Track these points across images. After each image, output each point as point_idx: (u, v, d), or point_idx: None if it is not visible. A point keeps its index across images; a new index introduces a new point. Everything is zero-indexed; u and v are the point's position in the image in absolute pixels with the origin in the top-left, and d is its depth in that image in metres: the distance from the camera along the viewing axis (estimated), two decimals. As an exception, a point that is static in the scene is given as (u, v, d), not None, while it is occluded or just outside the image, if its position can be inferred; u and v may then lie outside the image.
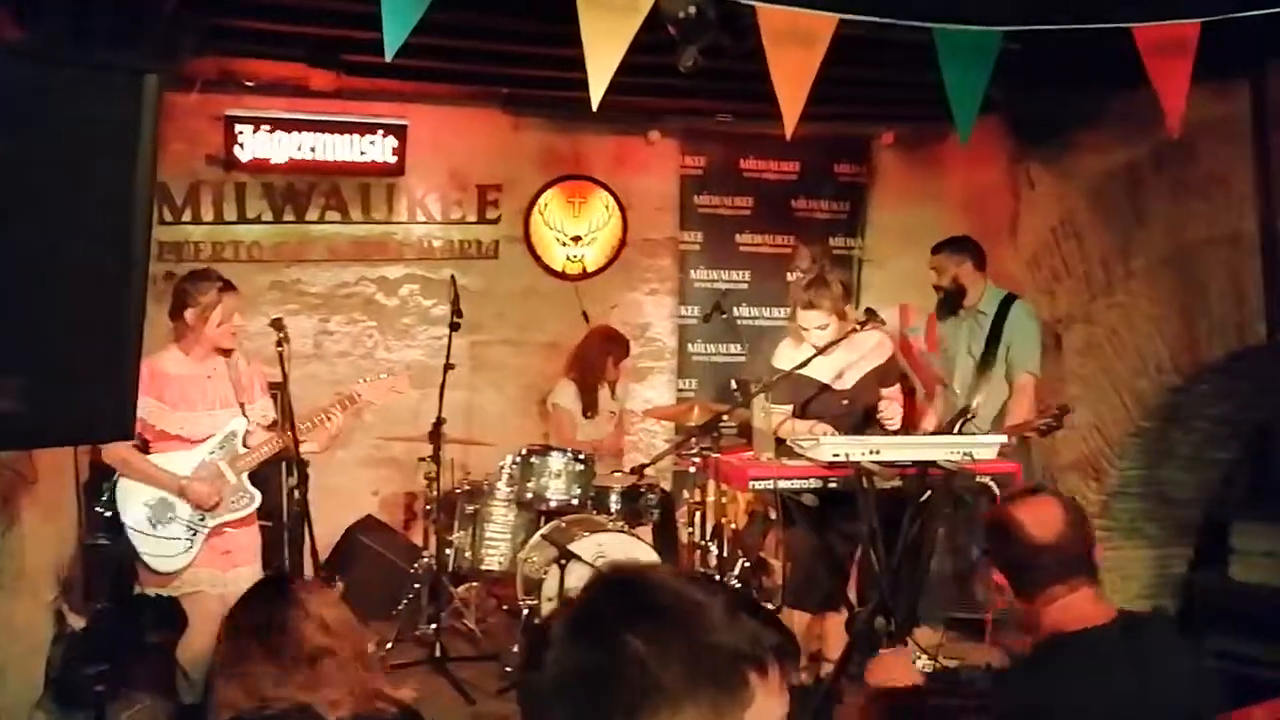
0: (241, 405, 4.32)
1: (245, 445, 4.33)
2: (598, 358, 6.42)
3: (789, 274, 7.36)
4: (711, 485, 6.17)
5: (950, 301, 5.54)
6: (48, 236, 2.29)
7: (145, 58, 2.50)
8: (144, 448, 4.22)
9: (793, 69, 3.32)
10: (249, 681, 2.28)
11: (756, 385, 5.21)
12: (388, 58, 3.10)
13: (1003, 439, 4.36)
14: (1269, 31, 3.49)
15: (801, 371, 4.74)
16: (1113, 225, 5.72)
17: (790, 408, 4.86)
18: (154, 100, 2.41)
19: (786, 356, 4.90)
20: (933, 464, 4.19)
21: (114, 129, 2.37)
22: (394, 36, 3.11)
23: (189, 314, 4.21)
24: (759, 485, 4.34)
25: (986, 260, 5.58)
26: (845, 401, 4.86)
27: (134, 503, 4.17)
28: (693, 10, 3.49)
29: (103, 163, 2.37)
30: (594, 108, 3.22)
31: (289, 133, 6.45)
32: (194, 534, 4.20)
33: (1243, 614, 5.39)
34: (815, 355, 4.71)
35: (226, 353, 4.34)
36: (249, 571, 4.31)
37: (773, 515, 5.84)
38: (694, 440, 5.62)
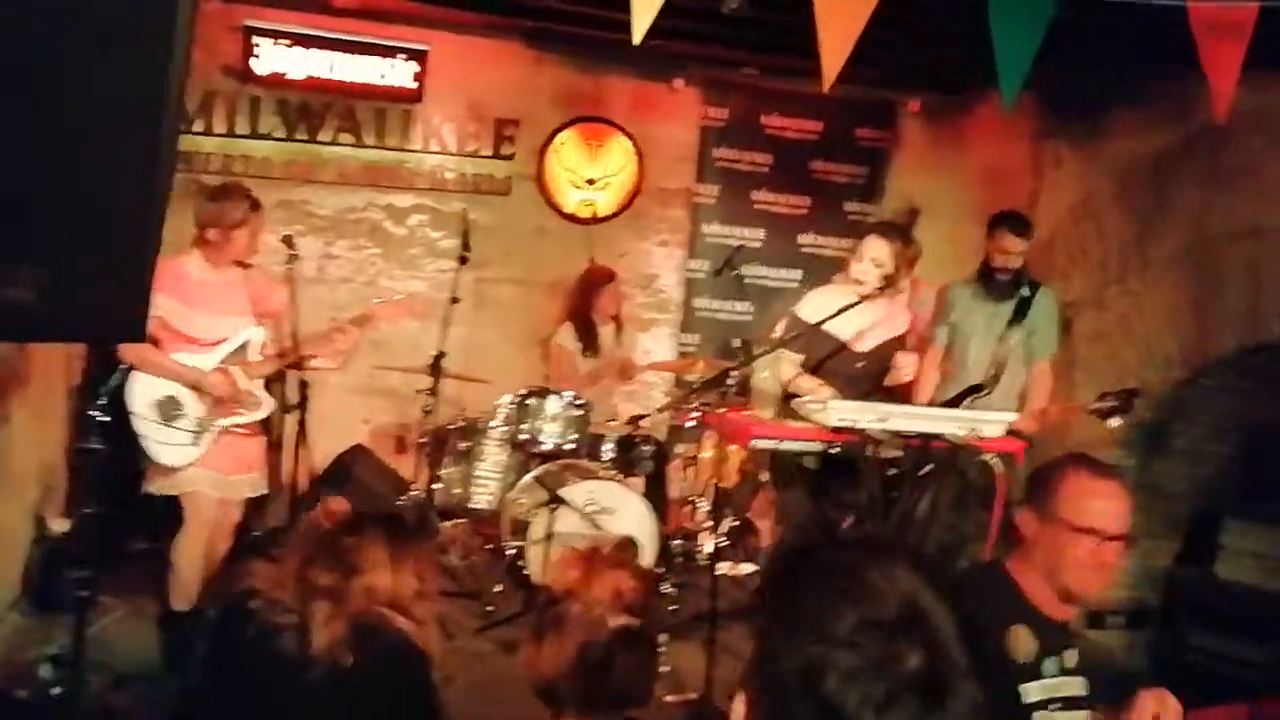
0: (258, 316, 4.34)
1: (260, 354, 4.35)
2: (582, 294, 6.38)
3: (801, 235, 7.29)
4: (707, 442, 6.14)
5: (1003, 289, 5.36)
6: (74, 125, 2.20)
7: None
8: (155, 347, 4.22)
9: (840, 19, 3.23)
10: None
11: (767, 341, 5.12)
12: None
13: (1012, 416, 4.33)
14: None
15: (825, 327, 4.65)
16: (1134, 211, 5.66)
17: (802, 358, 4.78)
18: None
19: (815, 306, 4.80)
20: (938, 437, 4.15)
21: (148, 19, 2.27)
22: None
23: (212, 232, 4.24)
24: (762, 444, 4.30)
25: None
26: (860, 364, 4.79)
27: (143, 398, 4.19)
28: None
29: (135, 54, 2.27)
30: (636, 40, 3.13)
31: (308, 49, 6.32)
32: (200, 433, 4.22)
33: (1225, 613, 5.39)
34: (855, 304, 4.59)
35: (244, 266, 4.35)
36: (251, 478, 4.32)
37: (764, 477, 5.81)
38: (695, 395, 5.57)
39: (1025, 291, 5.35)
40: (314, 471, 4.47)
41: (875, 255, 4.65)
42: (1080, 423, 5.25)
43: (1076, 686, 2.47)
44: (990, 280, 5.38)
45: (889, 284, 4.67)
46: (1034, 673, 2.45)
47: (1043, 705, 2.44)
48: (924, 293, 6.26)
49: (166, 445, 4.19)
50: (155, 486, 4.24)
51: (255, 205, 4.31)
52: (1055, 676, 2.45)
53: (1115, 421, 4.77)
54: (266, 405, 4.36)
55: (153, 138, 2.35)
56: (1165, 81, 5.06)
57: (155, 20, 2.30)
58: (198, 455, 4.23)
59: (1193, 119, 5.07)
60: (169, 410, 4.19)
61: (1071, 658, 2.48)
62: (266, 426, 4.57)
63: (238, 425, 4.31)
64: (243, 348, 4.33)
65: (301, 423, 4.15)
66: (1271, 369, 5.02)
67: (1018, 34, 3.28)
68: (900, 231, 4.83)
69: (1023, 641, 2.45)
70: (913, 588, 1.10)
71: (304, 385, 4.18)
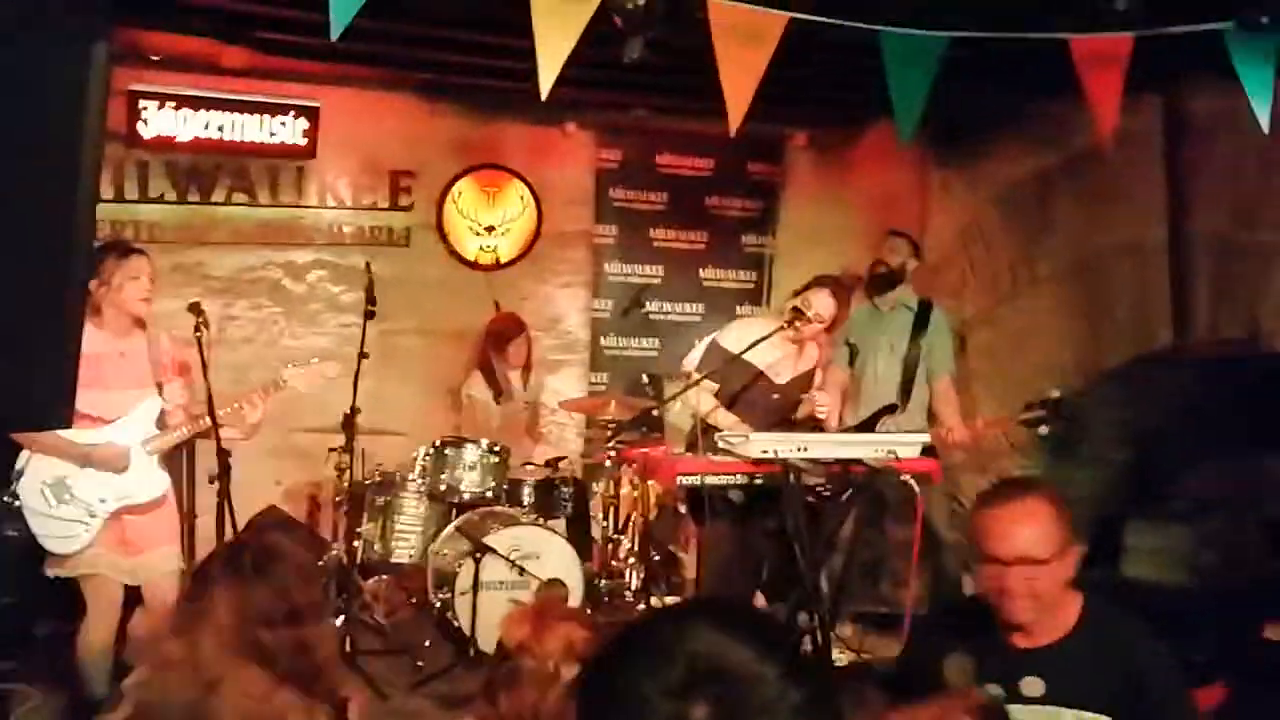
0: (159, 385, 4.19)
1: (159, 427, 4.20)
2: (491, 344, 6.39)
3: (702, 270, 7.41)
4: (625, 478, 6.18)
5: (885, 283, 5.60)
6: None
7: (88, 24, 2.37)
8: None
9: (741, 66, 3.33)
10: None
11: (678, 376, 5.20)
12: (333, 37, 3.01)
13: (925, 438, 4.46)
14: (1181, 47, 3.64)
15: (744, 357, 4.75)
16: (1021, 232, 5.89)
17: (717, 387, 4.86)
18: (101, 69, 2.30)
19: (738, 337, 4.90)
20: (858, 461, 4.26)
21: (61, 99, 2.25)
22: (341, 16, 3.02)
23: (94, 287, 4.02)
24: (687, 480, 4.36)
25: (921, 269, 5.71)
26: (775, 396, 4.90)
27: (33, 482, 4.02)
28: (641, 2, 3.47)
29: (48, 135, 2.25)
30: (543, 97, 3.17)
31: (195, 110, 6.21)
32: (92, 515, 4.06)
33: (1132, 609, 5.58)
34: (772, 333, 4.72)
35: (143, 327, 4.21)
36: (160, 555, 4.18)
37: (682, 509, 5.87)
38: (611, 434, 5.60)
39: (912, 304, 5.53)
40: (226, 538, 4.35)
41: (821, 309, 4.83)
42: (990, 439, 5.43)
43: (1033, 716, 2.50)
44: (872, 281, 5.58)
45: (804, 328, 4.81)
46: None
47: None
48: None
49: (56, 538, 4.02)
50: (54, 571, 4.06)
51: (130, 252, 4.15)
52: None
53: (1044, 430, 4.92)
54: (162, 483, 4.20)
55: (69, 219, 2.32)
56: (1043, 107, 5.30)
57: (70, 96, 2.28)
58: (90, 539, 4.05)
59: (1071, 142, 5.31)
60: (60, 492, 4.02)
61: (1033, 686, 2.51)
62: (179, 498, 4.45)
63: (133, 507, 4.15)
64: (145, 416, 4.17)
65: (225, 492, 4.05)
66: (1160, 377, 5.26)
67: (912, 72, 3.41)
68: (843, 290, 4.98)
69: (954, 669, 2.49)
70: (707, 646, 1.12)
71: (225, 454, 4.08)
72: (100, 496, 4.09)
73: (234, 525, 4.05)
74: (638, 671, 1.12)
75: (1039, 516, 2.48)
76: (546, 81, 3.19)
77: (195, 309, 4.20)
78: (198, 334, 4.12)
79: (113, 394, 4.14)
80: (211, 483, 4.18)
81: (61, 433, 4.02)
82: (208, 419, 4.13)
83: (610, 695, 1.14)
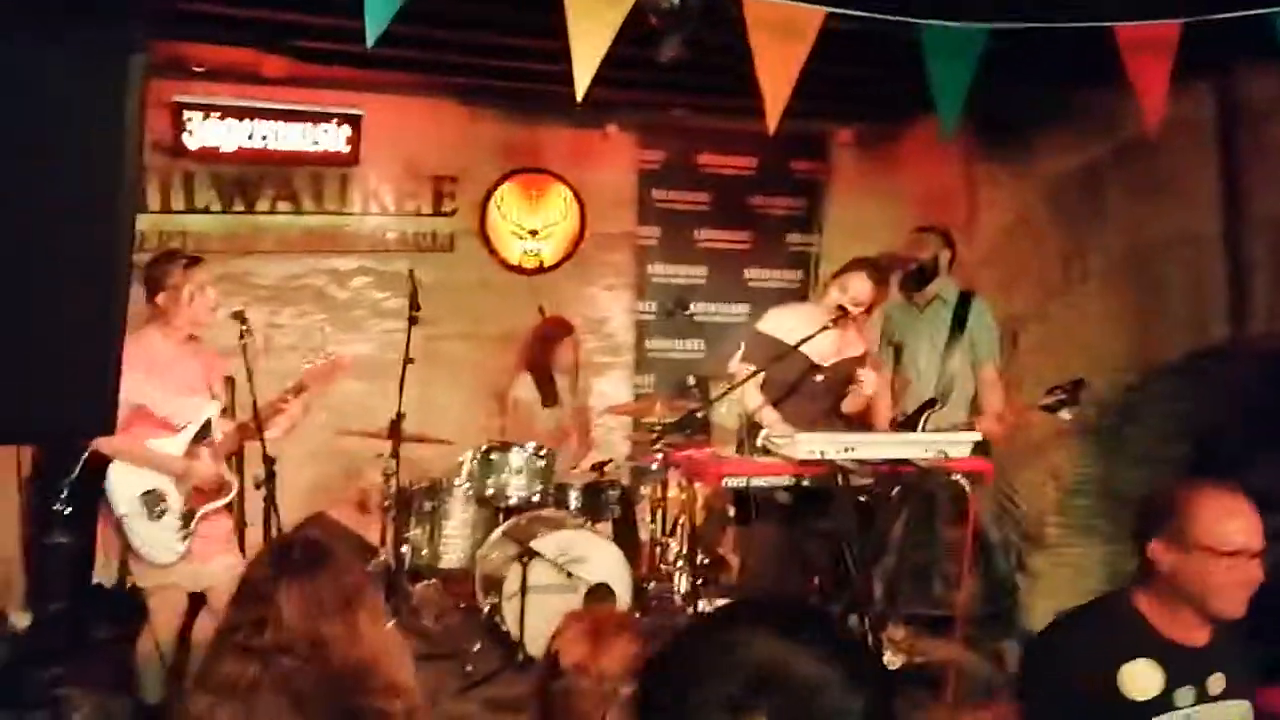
0: (210, 390, 4.29)
1: (220, 432, 4.29)
2: (539, 346, 6.38)
3: (746, 270, 7.35)
4: (672, 481, 6.14)
5: (919, 279, 5.53)
6: (29, 221, 2.17)
7: (126, 36, 2.38)
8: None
9: (778, 62, 3.29)
10: None
11: (723, 377, 5.15)
12: (369, 44, 3.01)
13: (977, 436, 4.38)
14: (1235, 33, 3.54)
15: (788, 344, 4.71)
16: (1071, 225, 5.78)
17: (762, 376, 4.80)
18: (139, 80, 2.30)
19: (776, 323, 4.86)
20: (907, 461, 4.19)
21: (98, 110, 2.26)
22: (376, 23, 3.02)
23: (161, 297, 4.18)
24: (733, 483, 4.32)
25: (958, 261, 5.63)
26: (820, 379, 4.83)
27: (125, 491, 4.08)
28: (676, 1, 3.44)
29: (87, 146, 2.25)
30: (579, 99, 3.15)
31: (239, 120, 6.27)
32: (186, 525, 4.14)
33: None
34: (824, 329, 4.68)
35: (198, 338, 4.32)
36: (226, 562, 4.23)
37: (730, 512, 5.83)
38: (662, 439, 5.57)
39: (950, 298, 5.44)
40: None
41: (858, 292, 4.75)
42: (1037, 425, 5.32)
43: (1222, 714, 2.46)
44: (906, 279, 5.53)
45: (847, 314, 4.74)
46: (1164, 705, 2.43)
47: None
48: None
49: (157, 548, 4.09)
50: (141, 581, 4.13)
51: (192, 262, 4.28)
52: (1192, 705, 2.44)
53: (1067, 414, 4.82)
54: (234, 485, 4.28)
55: (110, 228, 2.33)
56: (1091, 97, 5.19)
57: (107, 106, 2.28)
58: (186, 548, 4.13)
59: (1120, 132, 5.20)
60: (154, 504, 4.09)
61: (1217, 683, 2.46)
62: (230, 506, 4.49)
63: (217, 509, 4.23)
64: (205, 427, 4.25)
65: (271, 497, 4.08)
66: (1217, 371, 5.14)
67: (953, 65, 3.35)
68: (882, 273, 4.92)
69: (1139, 678, 2.44)
70: (773, 651, 1.09)
71: (270, 460, 4.11)
72: (190, 506, 4.16)
73: (280, 531, 4.06)
74: (695, 682, 1.09)
75: (1250, 507, 2.40)
76: (582, 83, 3.16)
77: (239, 316, 4.24)
78: (243, 341, 4.15)
79: (180, 398, 4.25)
80: (258, 488, 4.21)
81: (149, 442, 4.12)
82: (254, 425, 4.17)
83: (668, 706, 1.11)
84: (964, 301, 5.49)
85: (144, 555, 4.08)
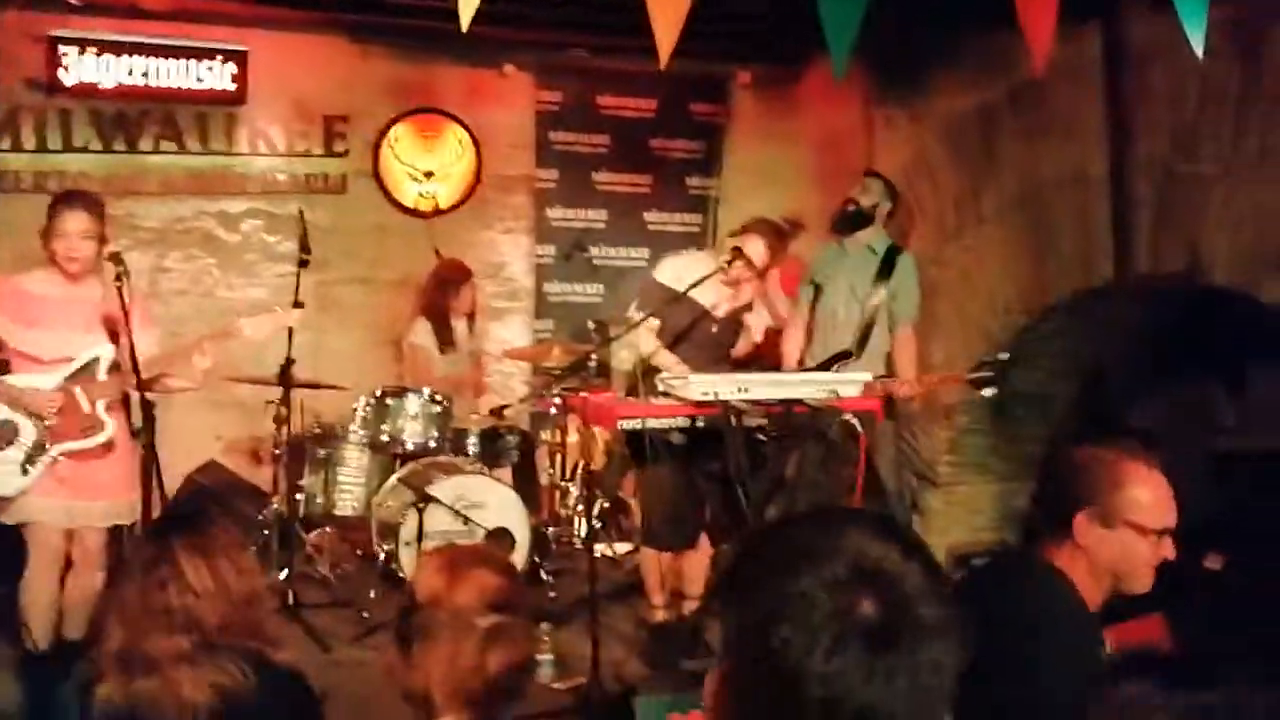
0: (112, 333, 4.13)
1: (107, 374, 4.16)
2: (437, 291, 6.27)
3: (646, 213, 7.31)
4: (571, 426, 6.12)
5: (854, 221, 5.48)
6: None
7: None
8: (4, 369, 4.09)
9: (668, -4, 3.21)
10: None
11: (622, 321, 5.10)
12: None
13: (867, 376, 4.41)
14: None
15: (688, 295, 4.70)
16: (966, 166, 5.83)
17: (658, 323, 4.79)
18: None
19: (672, 271, 4.84)
20: (799, 402, 4.21)
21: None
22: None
23: (45, 233, 4.10)
24: (628, 425, 4.31)
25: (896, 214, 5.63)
26: (714, 329, 4.84)
27: None
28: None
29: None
30: (464, 28, 3.05)
31: (118, 56, 6.04)
32: (32, 460, 4.03)
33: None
34: (714, 273, 4.66)
35: (84, 278, 4.19)
36: (111, 506, 4.13)
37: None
38: (555, 381, 5.53)
39: (879, 248, 5.44)
40: (166, 497, 4.26)
41: (753, 253, 4.73)
42: (946, 394, 5.40)
43: None
44: (839, 219, 5.50)
45: (743, 265, 4.74)
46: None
47: None
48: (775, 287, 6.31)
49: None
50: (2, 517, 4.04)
51: (63, 199, 4.17)
52: None
53: (990, 391, 4.88)
54: (108, 428, 4.15)
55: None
56: (985, 39, 5.22)
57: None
58: (28, 483, 4.03)
59: (1014, 74, 5.24)
60: (5, 435, 3.99)
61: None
62: (110, 447, 4.35)
63: (82, 450, 4.09)
64: (89, 367, 4.12)
65: (150, 446, 3.96)
66: (1102, 310, 5.24)
67: (843, 6, 3.32)
68: (781, 237, 4.90)
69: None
70: (864, 546, 1.14)
71: (149, 405, 3.98)
72: (41, 440, 4.05)
73: (160, 479, 3.94)
74: (797, 568, 1.13)
75: (1165, 480, 2.29)
76: (466, 13, 3.06)
77: (115, 258, 4.09)
78: (118, 284, 4.01)
79: (58, 335, 4.13)
80: (135, 437, 4.09)
81: (8, 379, 4.06)
82: (133, 370, 4.03)
83: (768, 593, 1.14)
84: (891, 256, 5.47)
85: None
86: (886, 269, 5.38)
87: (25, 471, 4.03)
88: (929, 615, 1.12)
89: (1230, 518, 4.55)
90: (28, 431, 4.04)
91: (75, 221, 4.11)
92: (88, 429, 4.11)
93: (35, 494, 4.06)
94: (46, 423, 4.06)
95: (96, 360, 4.17)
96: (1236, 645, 3.63)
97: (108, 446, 4.18)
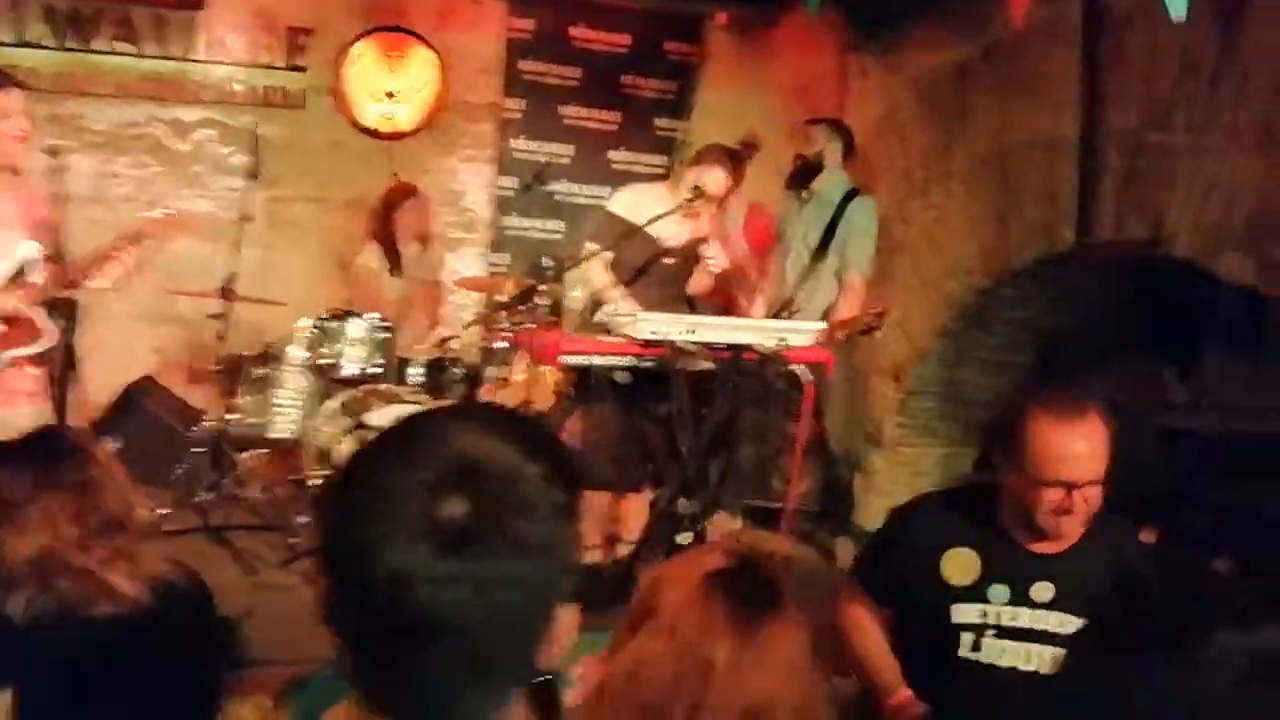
0: (33, 230, 3.90)
1: (39, 275, 3.92)
2: (384, 212, 6.11)
3: (612, 151, 7.16)
4: (520, 363, 6.00)
5: (804, 175, 5.39)
6: None
7: None
8: None
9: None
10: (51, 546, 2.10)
11: (584, 253, 4.98)
12: None
13: (820, 325, 4.33)
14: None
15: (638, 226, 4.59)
16: (937, 123, 5.72)
17: (610, 257, 4.67)
18: None
19: (627, 203, 4.73)
20: (747, 348, 4.12)
21: None
22: None
23: None
24: (570, 360, 4.21)
25: (854, 155, 5.49)
26: (669, 262, 4.73)
27: None
28: None
29: None
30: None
31: (76, -51, 5.81)
32: None
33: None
34: (674, 211, 4.56)
35: (15, 172, 3.90)
36: (31, 413, 3.93)
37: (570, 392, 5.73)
38: (504, 314, 5.41)
39: (834, 196, 5.33)
40: (98, 406, 4.12)
41: (712, 180, 4.62)
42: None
43: (1039, 620, 2.45)
44: (795, 175, 5.41)
45: (702, 197, 4.62)
46: (974, 595, 2.46)
47: (977, 629, 2.46)
48: (734, 209, 6.24)
49: None
50: None
51: (14, 84, 3.87)
52: (1003, 604, 2.45)
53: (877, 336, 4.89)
54: (50, 334, 3.94)
55: None
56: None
57: None
58: None
59: (990, 31, 5.13)
60: None
61: (1044, 591, 2.45)
62: (42, 356, 4.19)
63: (31, 355, 3.89)
64: (27, 264, 3.89)
65: (69, 349, 3.80)
66: (1063, 278, 5.17)
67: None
68: (737, 161, 4.78)
69: (959, 563, 2.49)
70: (475, 445, 1.10)
71: (71, 305, 3.82)
72: None
73: (78, 383, 3.80)
74: (393, 464, 1.09)
75: (1100, 434, 2.37)
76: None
77: (52, 152, 3.90)
78: (54, 179, 3.83)
79: None
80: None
81: None
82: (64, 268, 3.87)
83: (363, 487, 1.10)
84: (846, 200, 5.36)
85: None
86: (839, 216, 5.29)
87: None
88: (521, 529, 1.06)
89: (1175, 495, 4.53)
90: None
91: (15, 99, 3.85)
92: (33, 335, 3.89)
93: None
94: None
95: (29, 261, 3.91)
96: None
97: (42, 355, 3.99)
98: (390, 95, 6.70)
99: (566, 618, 1.13)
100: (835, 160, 5.44)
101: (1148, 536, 4.20)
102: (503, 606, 1.06)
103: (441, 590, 1.03)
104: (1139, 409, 5.27)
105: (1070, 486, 2.34)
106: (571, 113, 7.09)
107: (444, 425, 1.14)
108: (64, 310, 3.82)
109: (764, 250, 5.96)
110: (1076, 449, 2.33)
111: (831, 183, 5.43)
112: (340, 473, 1.16)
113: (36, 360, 3.99)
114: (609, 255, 4.66)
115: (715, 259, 4.71)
